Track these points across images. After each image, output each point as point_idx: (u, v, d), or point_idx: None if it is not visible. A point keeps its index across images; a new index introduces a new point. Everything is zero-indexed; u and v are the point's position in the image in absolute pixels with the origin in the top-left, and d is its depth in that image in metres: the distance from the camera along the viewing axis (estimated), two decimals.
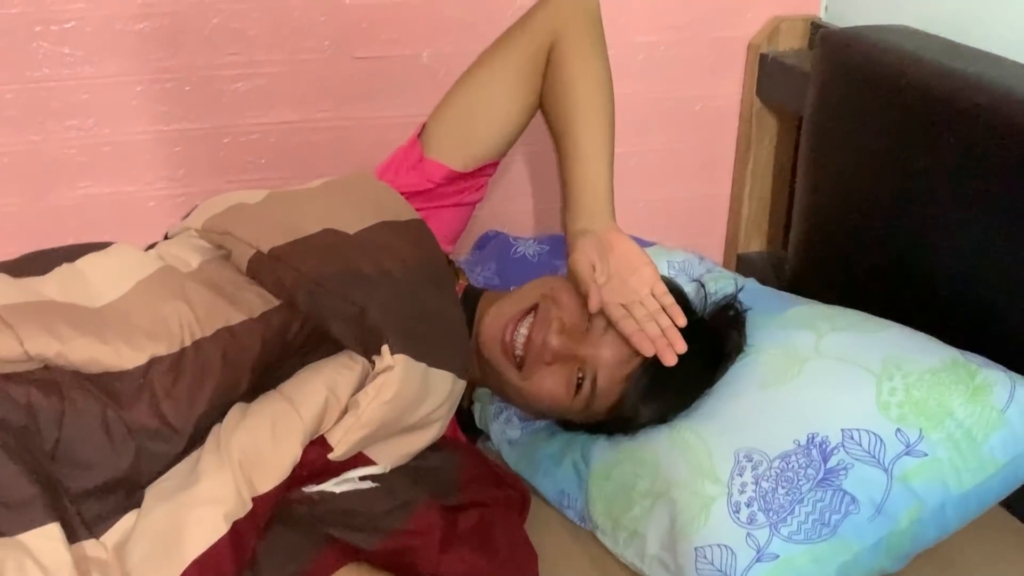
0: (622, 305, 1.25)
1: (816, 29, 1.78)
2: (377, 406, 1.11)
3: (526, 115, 1.41)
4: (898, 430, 1.17)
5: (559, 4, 1.38)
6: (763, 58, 1.81)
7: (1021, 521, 1.32)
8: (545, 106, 1.38)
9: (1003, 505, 1.27)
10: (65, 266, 1.18)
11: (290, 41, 1.64)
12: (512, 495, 1.27)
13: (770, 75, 1.81)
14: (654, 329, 1.23)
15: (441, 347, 1.18)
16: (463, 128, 1.40)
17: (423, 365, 1.14)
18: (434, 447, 1.22)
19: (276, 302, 1.17)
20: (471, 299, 1.37)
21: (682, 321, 1.24)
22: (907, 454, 1.16)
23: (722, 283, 1.47)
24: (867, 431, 1.18)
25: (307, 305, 1.14)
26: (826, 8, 1.83)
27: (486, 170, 1.44)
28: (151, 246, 1.28)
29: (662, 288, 1.26)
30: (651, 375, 1.26)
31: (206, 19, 1.59)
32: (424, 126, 1.42)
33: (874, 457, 1.16)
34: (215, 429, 1.10)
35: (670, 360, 1.22)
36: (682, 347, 1.22)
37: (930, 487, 1.16)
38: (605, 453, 1.32)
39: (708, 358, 1.30)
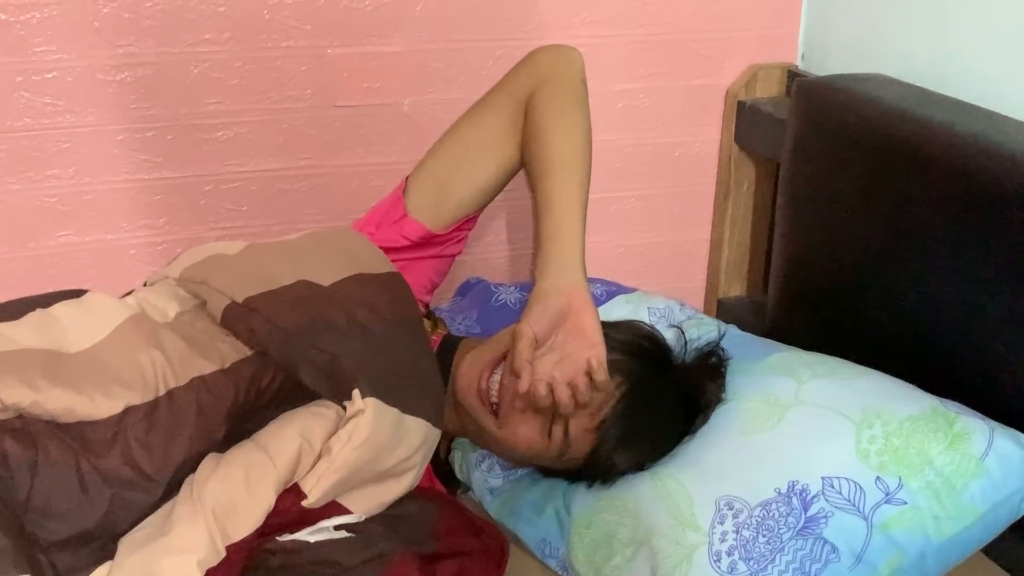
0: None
1: (793, 77, 1.80)
2: (349, 450, 1.11)
3: (505, 172, 1.42)
4: (878, 478, 1.17)
5: (540, 60, 1.39)
6: (741, 105, 1.83)
7: (1000, 567, 1.32)
8: (523, 160, 1.38)
9: (983, 552, 1.26)
10: (39, 311, 1.19)
11: (272, 90, 1.65)
12: (490, 545, 1.26)
13: (748, 122, 1.83)
14: (563, 393, 1.18)
15: (414, 395, 1.18)
16: (442, 187, 1.40)
17: (395, 410, 1.14)
18: (410, 496, 1.22)
19: (249, 352, 1.17)
20: (449, 348, 1.37)
21: (584, 398, 1.19)
22: (887, 502, 1.16)
23: (703, 329, 1.48)
24: (847, 479, 1.18)
25: (279, 354, 1.15)
26: (803, 56, 1.85)
27: (464, 226, 1.44)
28: (128, 293, 1.28)
29: (602, 375, 1.19)
30: (624, 424, 1.26)
31: (187, 69, 1.60)
32: (407, 183, 1.43)
33: (854, 505, 1.16)
34: (188, 479, 1.09)
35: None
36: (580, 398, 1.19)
37: (910, 536, 1.16)
38: (587, 500, 1.32)
39: (686, 407, 1.30)
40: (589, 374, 1.17)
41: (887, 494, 1.17)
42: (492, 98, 1.42)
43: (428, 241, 1.41)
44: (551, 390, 1.17)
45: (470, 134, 1.41)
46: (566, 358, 1.19)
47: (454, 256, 1.47)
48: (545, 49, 1.40)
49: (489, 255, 1.90)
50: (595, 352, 1.18)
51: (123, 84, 1.58)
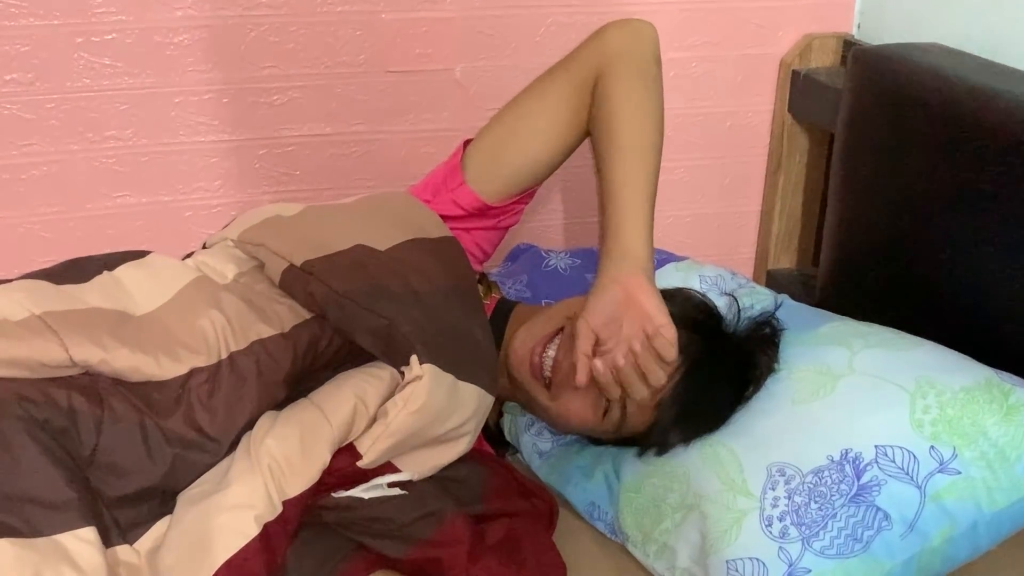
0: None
1: (848, 46, 1.78)
2: (406, 416, 1.12)
3: (566, 149, 1.38)
4: (932, 447, 1.17)
5: (610, 36, 1.33)
6: (795, 75, 1.81)
7: None
8: (592, 141, 1.34)
9: None
10: (105, 274, 1.20)
11: (326, 55, 1.66)
12: (539, 506, 1.27)
13: (802, 92, 1.81)
14: (630, 378, 1.17)
15: (468, 362, 1.18)
16: (500, 160, 1.38)
17: (451, 377, 1.15)
18: (461, 459, 1.22)
19: (307, 315, 1.18)
20: (503, 313, 1.37)
21: (659, 376, 1.17)
22: (940, 471, 1.16)
23: (756, 298, 1.47)
24: (901, 448, 1.17)
25: (336, 319, 1.16)
26: (859, 26, 1.83)
27: (522, 200, 1.42)
28: (188, 255, 1.30)
29: (671, 354, 1.17)
30: (681, 401, 1.26)
31: (244, 32, 1.61)
32: (465, 151, 1.40)
33: (907, 474, 1.16)
34: (246, 436, 1.11)
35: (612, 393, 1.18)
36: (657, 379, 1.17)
37: (963, 506, 1.16)
38: (636, 466, 1.32)
39: (738, 379, 1.30)
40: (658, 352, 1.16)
41: (941, 464, 1.16)
42: (558, 73, 1.37)
43: (484, 212, 1.39)
44: (618, 376, 1.17)
45: (533, 109, 1.37)
46: (632, 341, 1.17)
47: (508, 228, 1.45)
48: (617, 24, 1.34)
49: (542, 223, 1.91)
50: (662, 331, 1.16)
51: (180, 47, 1.60)
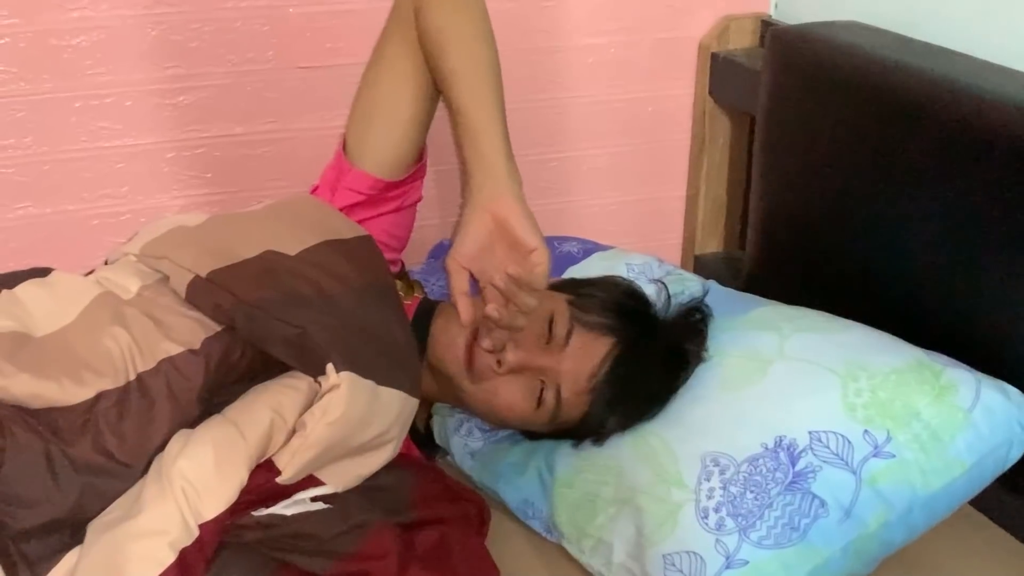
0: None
1: (766, 27, 1.77)
2: (324, 427, 1.08)
3: (426, 97, 1.33)
4: (866, 432, 1.16)
5: None
6: (714, 57, 1.80)
7: (986, 516, 1.32)
8: (433, 76, 1.28)
9: (970, 504, 1.25)
10: (5, 293, 1.15)
11: (232, 52, 1.60)
12: (469, 510, 1.25)
13: (722, 75, 1.80)
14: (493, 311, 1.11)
15: (388, 365, 1.15)
16: (373, 131, 1.34)
17: (371, 383, 1.11)
18: (387, 465, 1.19)
19: (217, 327, 1.14)
20: (426, 312, 1.34)
21: (529, 303, 1.11)
22: (875, 456, 1.15)
23: (684, 285, 1.46)
24: (835, 433, 1.16)
25: (247, 330, 1.12)
26: (776, 5, 1.82)
27: (417, 172, 1.39)
28: (90, 272, 1.25)
29: (538, 283, 1.11)
30: (616, 385, 1.24)
31: (144, 31, 1.55)
32: (345, 139, 1.37)
33: (842, 459, 1.15)
34: (157, 457, 1.07)
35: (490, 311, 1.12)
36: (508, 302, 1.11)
37: (898, 489, 1.15)
38: (569, 460, 1.30)
39: (671, 363, 1.28)
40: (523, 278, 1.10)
41: (875, 448, 1.15)
42: (386, 27, 1.34)
43: (383, 193, 1.35)
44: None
45: (378, 72, 1.35)
46: (507, 266, 1.11)
47: (415, 204, 1.41)
48: None
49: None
50: (534, 256, 1.10)
51: (78, 49, 1.53)
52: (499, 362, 1.23)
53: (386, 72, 1.34)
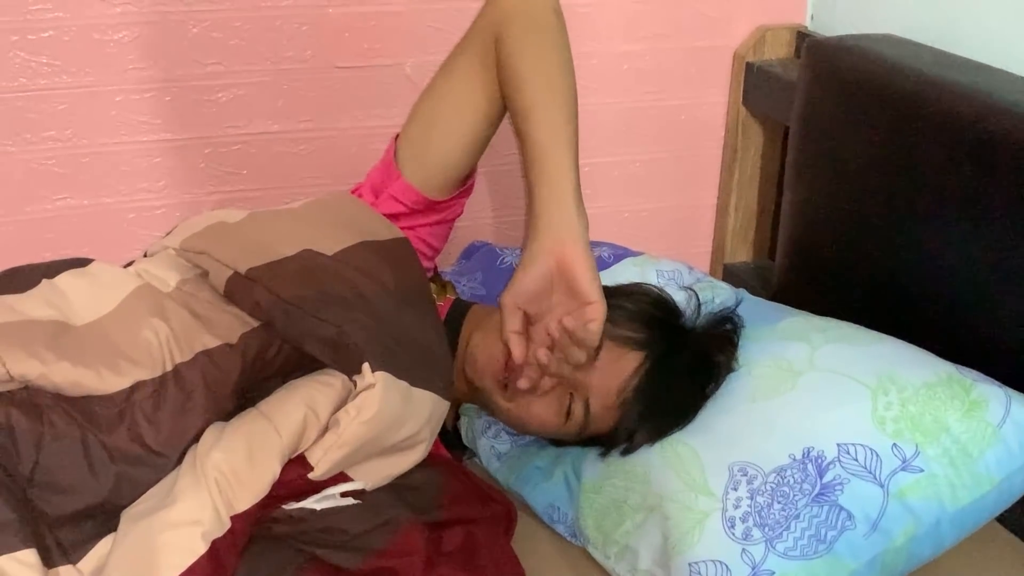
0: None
1: (802, 38, 1.77)
2: (358, 425, 1.09)
3: (487, 121, 1.31)
4: (894, 445, 1.16)
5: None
6: (749, 67, 1.80)
7: (1013, 534, 1.31)
8: (506, 105, 1.26)
9: (997, 520, 1.25)
10: (45, 283, 1.16)
11: (271, 50, 1.62)
12: (497, 511, 1.25)
13: (756, 84, 1.80)
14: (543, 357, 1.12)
15: (422, 367, 1.16)
16: (429, 146, 1.32)
17: (404, 384, 1.12)
18: (417, 465, 1.19)
19: (254, 323, 1.15)
20: (458, 314, 1.35)
21: (579, 358, 1.12)
22: (903, 469, 1.15)
23: (715, 292, 1.46)
24: (863, 446, 1.16)
25: (284, 327, 1.12)
26: (812, 17, 1.82)
27: (463, 193, 1.37)
28: (129, 264, 1.26)
29: (591, 339, 1.10)
30: (645, 399, 1.24)
31: (186, 28, 1.57)
32: (396, 144, 1.36)
33: (870, 472, 1.15)
34: (191, 449, 1.07)
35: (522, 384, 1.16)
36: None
37: (926, 504, 1.15)
38: (596, 466, 1.30)
39: (701, 375, 1.28)
40: (576, 333, 1.10)
41: (904, 461, 1.15)
42: (461, 47, 1.31)
43: (427, 207, 1.35)
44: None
45: (445, 89, 1.32)
46: (562, 316, 1.10)
47: (454, 220, 1.41)
48: None
49: (492, 220, 1.88)
50: (590, 311, 1.09)
51: (120, 44, 1.55)
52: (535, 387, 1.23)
53: (454, 91, 1.31)
